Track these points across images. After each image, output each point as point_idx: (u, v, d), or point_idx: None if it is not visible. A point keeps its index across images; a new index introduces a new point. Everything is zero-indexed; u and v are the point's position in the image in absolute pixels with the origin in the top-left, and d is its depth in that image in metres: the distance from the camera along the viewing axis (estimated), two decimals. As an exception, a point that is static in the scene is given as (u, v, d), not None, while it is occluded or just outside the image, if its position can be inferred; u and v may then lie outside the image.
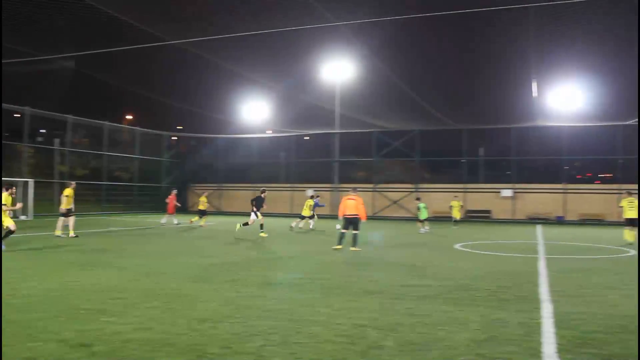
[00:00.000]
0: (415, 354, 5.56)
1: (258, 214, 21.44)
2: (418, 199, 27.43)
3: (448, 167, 46.53)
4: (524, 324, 6.95)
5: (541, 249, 17.89)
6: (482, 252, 16.34)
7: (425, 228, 25.86)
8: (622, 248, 18.12)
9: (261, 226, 21.33)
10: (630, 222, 19.73)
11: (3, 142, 32.48)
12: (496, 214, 39.79)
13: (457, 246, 18.05)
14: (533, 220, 38.01)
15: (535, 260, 14.43)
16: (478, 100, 35.93)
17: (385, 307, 7.86)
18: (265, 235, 20.88)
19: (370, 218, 40.89)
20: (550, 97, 35.58)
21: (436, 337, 6.22)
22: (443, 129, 41.61)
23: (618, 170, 39.70)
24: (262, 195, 22.01)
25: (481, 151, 42.98)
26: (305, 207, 26.52)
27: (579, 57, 29.49)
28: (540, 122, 38.81)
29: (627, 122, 36.99)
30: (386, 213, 41.90)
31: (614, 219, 37.49)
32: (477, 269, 12.31)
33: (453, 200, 31.30)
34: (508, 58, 29.50)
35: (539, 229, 29.94)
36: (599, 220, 37.94)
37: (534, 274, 11.61)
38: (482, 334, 6.39)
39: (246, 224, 21.70)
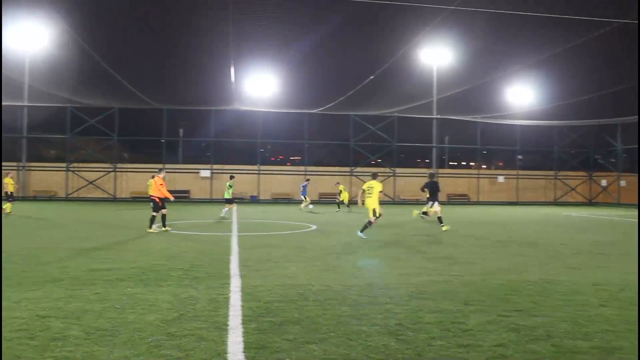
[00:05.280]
0: (102, 340, 5.37)
1: (436, 203, 18.43)
2: (232, 177, 25.58)
3: (148, 147, 45.83)
4: (214, 299, 7.24)
5: (235, 227, 18.82)
6: (178, 232, 16.52)
7: (226, 210, 24.24)
8: (305, 224, 20.13)
9: (440, 220, 18.29)
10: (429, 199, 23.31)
11: None
12: (195, 194, 40.56)
13: (154, 227, 17.90)
14: (229, 200, 39.57)
15: (229, 237, 15.13)
16: (179, 81, 36.01)
17: (72, 294, 7.42)
18: (447, 228, 17.83)
19: (62, 200, 38.37)
20: (247, 83, 37.49)
21: (126, 321, 6.10)
22: (143, 108, 40.69)
23: (305, 153, 43.80)
24: (435, 179, 18.76)
25: (181, 132, 43.25)
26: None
27: (273, 48, 31.61)
28: (238, 106, 40.60)
29: (313, 110, 40.97)
30: (82, 194, 39.56)
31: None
32: (172, 249, 12.41)
33: (341, 186, 31.20)
34: (208, 42, 30.11)
35: (235, 207, 31.32)
36: (288, 198, 41.42)
37: (227, 251, 12.16)
38: (173, 313, 6.47)
39: (425, 213, 18.89)
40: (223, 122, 42.87)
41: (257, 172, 41.79)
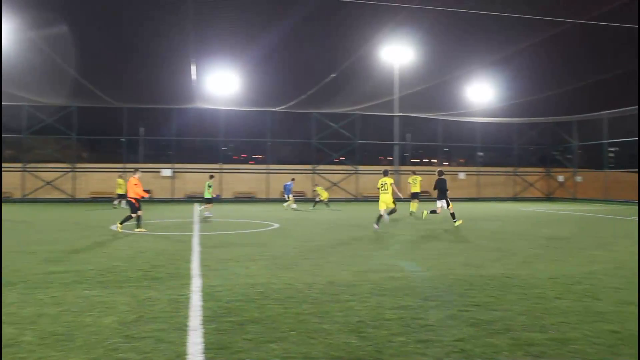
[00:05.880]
0: (57, 345, 5.26)
1: (447, 199, 18.89)
2: (212, 176, 24.99)
3: (107, 146, 45.00)
4: (173, 300, 7.15)
5: (196, 226, 18.64)
6: (138, 232, 16.25)
7: (206, 212, 23.55)
8: (267, 222, 20.05)
9: (453, 215, 18.78)
10: (414, 196, 24.31)
11: None
12: (156, 194, 40.01)
13: (114, 227, 17.59)
14: (191, 199, 39.24)
15: (190, 237, 14.97)
16: (138, 79, 35.42)
17: (26, 298, 7.23)
18: (460, 222, 18.49)
19: (18, 201, 37.41)
20: (208, 80, 37.16)
21: (82, 324, 5.98)
22: (103, 107, 39.87)
23: (268, 151, 43.66)
24: (442, 176, 19.23)
25: (142, 131, 42.57)
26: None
27: (234, 45, 31.38)
28: (199, 104, 40.18)
29: (275, 109, 40.83)
30: (39, 195, 38.62)
31: (263, 196, 41.26)
32: (132, 250, 12.21)
33: (318, 187, 31.64)
34: (168, 39, 29.72)
35: (197, 207, 31.05)
36: (251, 197, 41.22)
37: (188, 251, 12.03)
38: (131, 315, 6.37)
39: (434, 211, 19.10)
40: (184, 120, 42.32)
41: (219, 170, 41.44)
